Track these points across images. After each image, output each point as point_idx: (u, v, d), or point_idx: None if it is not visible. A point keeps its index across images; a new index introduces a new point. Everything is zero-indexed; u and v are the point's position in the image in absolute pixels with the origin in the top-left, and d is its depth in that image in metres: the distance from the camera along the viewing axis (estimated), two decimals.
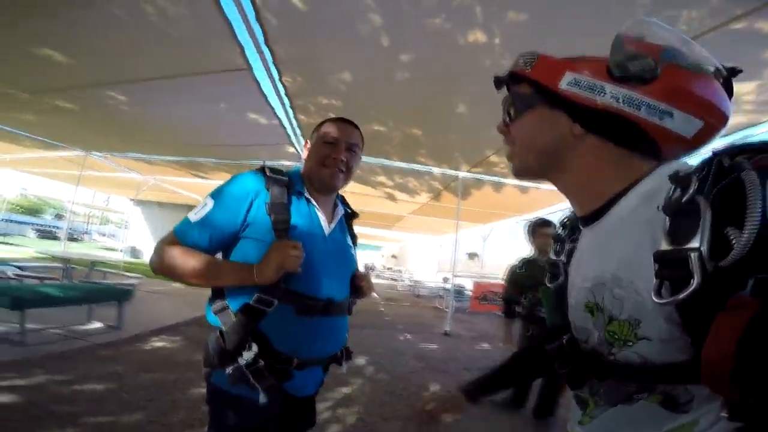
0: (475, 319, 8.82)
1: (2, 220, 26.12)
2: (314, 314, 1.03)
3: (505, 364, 0.87)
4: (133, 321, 4.40)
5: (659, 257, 0.40)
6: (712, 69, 0.51)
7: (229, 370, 0.94)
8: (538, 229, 2.94)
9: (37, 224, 35.64)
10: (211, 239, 1.01)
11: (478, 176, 6.42)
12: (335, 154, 1.13)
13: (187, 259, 0.98)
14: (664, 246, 0.40)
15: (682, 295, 0.37)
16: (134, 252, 15.28)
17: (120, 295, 4.18)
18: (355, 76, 3.64)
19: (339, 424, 2.60)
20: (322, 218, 1.14)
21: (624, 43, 0.53)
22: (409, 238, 22.13)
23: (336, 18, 2.84)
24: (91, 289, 4.21)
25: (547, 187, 3.37)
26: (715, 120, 0.51)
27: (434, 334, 6.39)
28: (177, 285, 6.91)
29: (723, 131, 0.53)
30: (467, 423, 2.34)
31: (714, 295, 0.35)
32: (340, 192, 1.27)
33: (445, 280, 14.43)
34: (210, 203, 1.02)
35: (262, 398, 0.96)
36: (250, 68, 3.47)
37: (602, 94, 0.51)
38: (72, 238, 27.08)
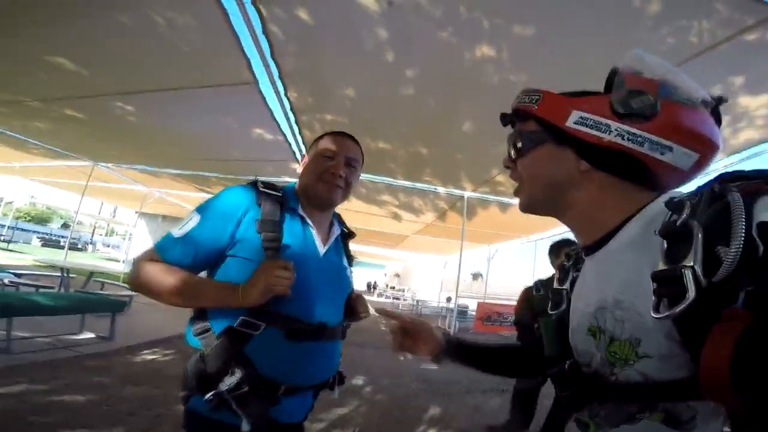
0: (479, 339, 8.55)
1: (9, 227, 26.36)
2: (305, 339, 0.96)
3: (489, 347, 0.91)
4: (126, 332, 4.30)
5: (656, 276, 0.43)
6: (701, 100, 0.54)
7: (208, 396, 0.86)
8: (563, 248, 2.83)
9: (43, 233, 35.98)
10: (195, 257, 0.94)
11: (484, 196, 6.36)
12: (334, 169, 1.07)
13: (165, 277, 0.91)
14: (661, 266, 0.43)
15: (678, 309, 0.39)
16: None
17: (114, 306, 4.10)
18: (361, 91, 3.65)
19: None
20: (317, 237, 1.07)
21: (624, 79, 0.55)
22: (413, 257, 21.92)
23: (342, 32, 2.85)
24: (84, 299, 4.13)
25: None
26: (709, 152, 0.54)
27: None
28: None
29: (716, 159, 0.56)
30: None
31: (708, 309, 0.37)
32: (337, 210, 1.21)
33: (449, 299, 14.19)
34: (196, 218, 0.95)
35: (245, 426, 0.87)
36: (256, 82, 3.48)
37: (608, 131, 0.54)
38: (76, 248, 27.22)
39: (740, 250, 0.36)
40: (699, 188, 0.46)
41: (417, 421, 3.09)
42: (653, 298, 0.43)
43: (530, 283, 3.05)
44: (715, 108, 0.55)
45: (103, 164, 7.87)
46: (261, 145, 5.10)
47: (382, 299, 20.21)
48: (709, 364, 0.36)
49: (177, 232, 0.95)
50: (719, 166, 3.83)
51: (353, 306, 1.14)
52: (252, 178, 1.08)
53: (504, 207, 6.78)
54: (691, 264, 0.39)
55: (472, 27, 2.60)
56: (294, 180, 1.18)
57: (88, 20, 2.92)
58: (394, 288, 24.44)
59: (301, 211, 1.06)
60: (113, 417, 2.40)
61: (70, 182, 10.34)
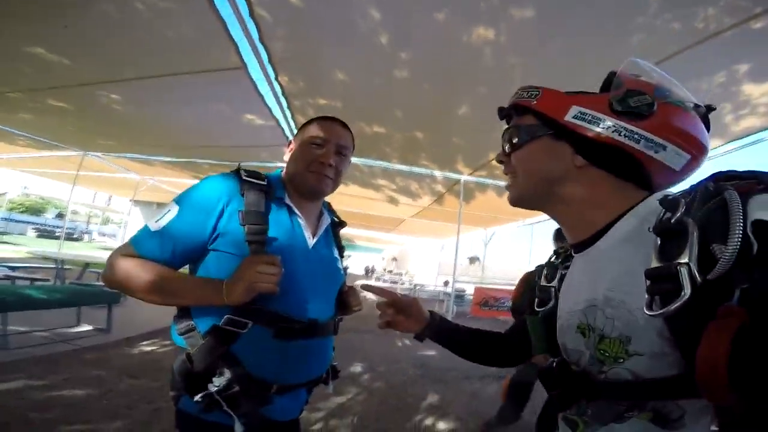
0: (476, 324, 8.57)
1: (3, 218, 26.13)
2: (295, 338, 0.91)
3: (471, 332, 0.92)
4: (123, 324, 4.30)
5: (650, 274, 0.42)
6: (692, 106, 0.56)
7: (198, 397, 0.83)
8: None
9: (38, 223, 35.74)
10: (173, 251, 0.88)
11: (481, 180, 6.33)
12: (323, 158, 1.01)
13: (141, 273, 0.85)
14: (655, 264, 0.42)
15: (673, 306, 0.38)
16: None
17: (110, 298, 4.08)
18: (354, 75, 3.54)
19: None
20: (305, 228, 1.01)
21: (623, 81, 0.56)
22: (410, 241, 22.01)
23: (333, 14, 2.74)
24: (79, 291, 4.10)
25: None
26: (699, 154, 0.55)
27: None
28: None
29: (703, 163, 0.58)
30: None
31: (703, 307, 0.38)
32: (333, 193, 1.14)
33: (446, 283, 14.31)
34: (174, 210, 0.88)
35: (238, 427, 0.84)
36: (245, 67, 3.37)
37: (605, 127, 0.54)
38: (72, 238, 27.10)
39: (737, 247, 0.36)
40: (693, 187, 0.46)
41: (415, 408, 3.12)
42: (646, 295, 0.43)
43: (529, 268, 3.03)
44: (705, 115, 0.57)
45: (93, 153, 7.73)
46: (254, 131, 4.99)
47: (380, 283, 20.38)
48: (705, 362, 0.36)
49: (154, 225, 0.88)
50: (719, 152, 3.81)
51: (345, 299, 1.10)
52: (252, 165, 1.02)
53: (501, 190, 6.76)
54: (687, 261, 0.39)
55: (469, 8, 2.50)
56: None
57: (66, 9, 2.79)
58: (391, 272, 24.64)
59: (288, 201, 1.00)
60: (113, 411, 2.41)
61: (61, 172, 10.18)
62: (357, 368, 4.01)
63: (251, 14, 2.72)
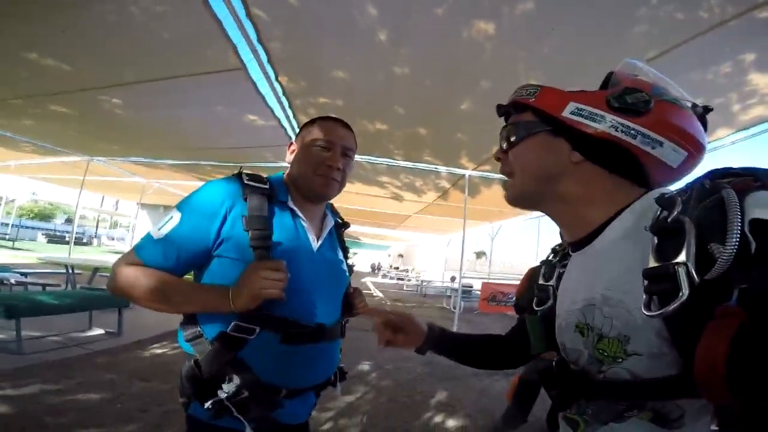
0: (483, 320, 8.66)
1: (13, 225, 26.55)
2: (303, 342, 0.91)
3: (472, 339, 0.91)
4: (133, 327, 4.35)
5: (648, 273, 0.42)
6: (690, 105, 0.56)
7: (208, 404, 0.83)
8: None
9: (48, 229, 36.27)
10: (177, 258, 0.87)
11: (486, 174, 6.29)
12: (331, 162, 0.99)
13: (146, 282, 0.85)
14: (652, 263, 0.42)
15: (672, 307, 0.38)
16: None
17: (120, 302, 4.10)
18: (355, 73, 3.52)
19: None
20: (310, 231, 1.00)
21: (620, 79, 0.57)
22: (415, 237, 22.00)
23: (331, 11, 2.72)
24: (89, 296, 4.14)
25: None
26: (696, 151, 0.55)
27: None
28: None
29: (700, 162, 0.58)
30: None
31: (701, 307, 0.37)
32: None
33: (453, 279, 14.30)
34: (176, 216, 0.88)
35: None
36: (244, 68, 3.37)
37: (603, 122, 0.54)
38: (81, 242, 27.46)
39: (736, 247, 0.35)
40: (689, 184, 0.46)
41: (424, 405, 3.13)
42: (644, 295, 0.42)
43: (535, 263, 3.00)
44: (703, 115, 0.57)
45: (98, 158, 7.80)
46: (256, 131, 4.99)
47: (386, 280, 20.42)
48: (704, 362, 0.36)
49: (156, 232, 0.88)
50: (726, 142, 3.76)
51: (351, 301, 1.10)
52: (257, 166, 1.01)
53: (506, 184, 6.70)
54: (684, 261, 0.38)
55: (469, 1, 2.46)
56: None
57: (64, 14, 2.79)
58: (397, 268, 24.67)
59: (291, 204, 0.99)
60: (126, 415, 2.44)
61: (68, 178, 10.30)
62: (365, 367, 4.02)
63: (248, 14, 2.71)
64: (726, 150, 3.95)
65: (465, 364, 0.89)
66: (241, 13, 2.66)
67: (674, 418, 0.48)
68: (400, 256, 29.59)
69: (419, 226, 15.14)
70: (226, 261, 0.89)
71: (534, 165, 0.61)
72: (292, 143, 1.09)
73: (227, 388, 0.83)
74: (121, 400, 2.65)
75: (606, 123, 0.54)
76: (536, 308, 0.74)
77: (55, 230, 36.82)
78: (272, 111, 4.38)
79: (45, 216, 47.63)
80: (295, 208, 0.99)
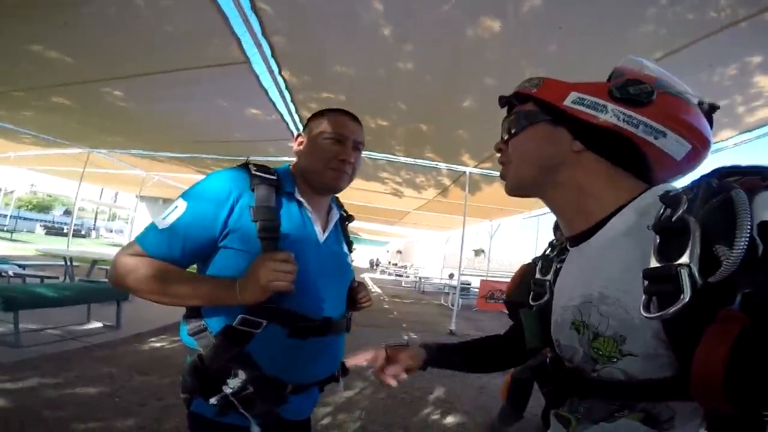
0: (481, 317, 8.69)
1: (12, 216, 26.48)
2: (310, 336, 0.90)
3: (468, 346, 0.89)
4: (132, 320, 4.35)
5: (648, 274, 0.41)
6: (696, 101, 0.55)
7: (213, 401, 0.82)
8: None
9: (46, 221, 36.18)
10: (183, 249, 0.84)
11: (486, 171, 6.28)
12: (344, 155, 0.98)
13: (150, 273, 0.82)
14: (654, 263, 0.41)
15: (672, 310, 0.37)
16: None
17: (118, 295, 4.10)
18: (358, 68, 3.50)
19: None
20: (316, 224, 0.99)
21: (624, 71, 0.57)
22: (415, 233, 22.00)
23: (336, 6, 2.70)
24: (88, 288, 4.13)
25: None
26: (700, 144, 0.54)
27: (439, 334, 6.26)
28: None
29: (706, 158, 0.57)
30: None
31: (702, 311, 0.36)
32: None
33: (451, 276, 14.32)
34: (182, 205, 0.85)
35: (255, 428, 0.84)
36: (248, 61, 3.35)
37: (604, 111, 0.54)
38: (80, 235, 27.41)
39: (744, 250, 0.34)
40: (695, 182, 0.44)
41: (422, 402, 3.14)
42: (643, 296, 0.41)
43: (529, 260, 2.98)
44: (709, 113, 0.56)
45: (98, 150, 7.76)
46: (259, 125, 4.97)
47: (385, 276, 20.43)
48: (703, 365, 0.35)
49: (161, 222, 0.85)
50: (730, 143, 3.77)
51: (354, 296, 1.09)
52: (260, 160, 0.99)
53: (502, 173, 6.70)
54: (688, 262, 0.37)
55: None
56: (293, 160, 1.08)
57: (67, 7, 2.76)
58: (396, 265, 24.69)
59: (298, 196, 0.98)
60: (125, 409, 2.44)
61: (67, 170, 10.25)
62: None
63: (253, 8, 2.68)
64: (730, 151, 3.99)
65: (467, 372, 0.87)
66: (247, 6, 2.63)
67: (664, 420, 0.48)
68: (399, 252, 29.64)
69: (419, 223, 15.15)
70: (231, 252, 0.87)
71: (534, 154, 0.60)
72: (299, 134, 1.07)
73: (232, 384, 0.82)
74: (120, 393, 2.65)
75: (608, 113, 0.53)
76: (532, 303, 0.73)
77: (53, 222, 36.73)
78: (275, 105, 4.36)
79: (43, 207, 47.51)
80: (302, 200, 0.98)
